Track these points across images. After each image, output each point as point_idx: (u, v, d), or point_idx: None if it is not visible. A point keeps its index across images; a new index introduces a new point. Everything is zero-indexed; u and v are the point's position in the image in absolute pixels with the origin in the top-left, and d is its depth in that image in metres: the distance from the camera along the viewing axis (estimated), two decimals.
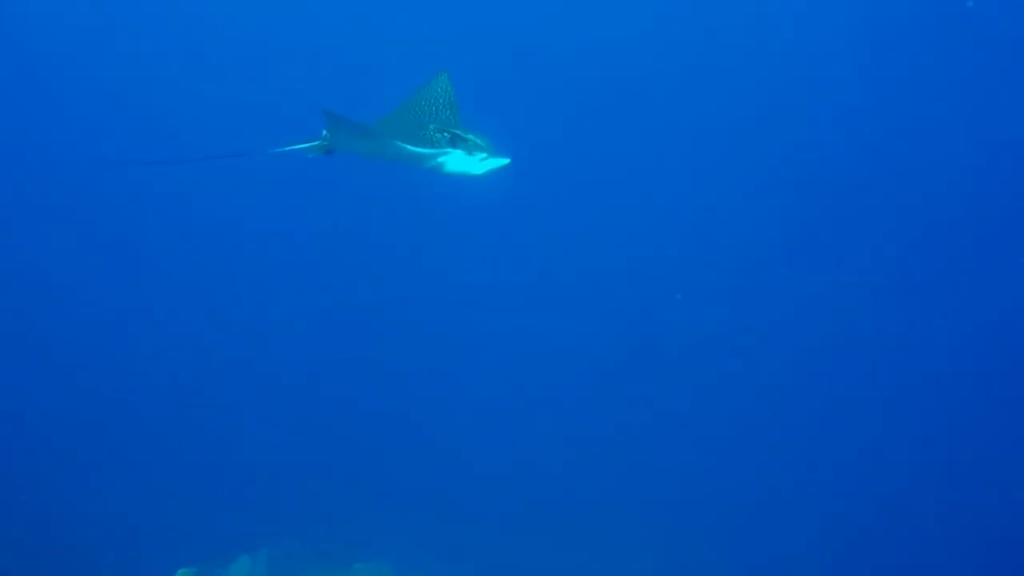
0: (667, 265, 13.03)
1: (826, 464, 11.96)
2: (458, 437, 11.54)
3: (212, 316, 12.56)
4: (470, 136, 5.42)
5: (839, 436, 12.29)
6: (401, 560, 9.92)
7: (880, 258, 13.54)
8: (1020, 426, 12.21)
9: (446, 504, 10.80)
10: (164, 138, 12.79)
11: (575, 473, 11.51)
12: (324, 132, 5.69)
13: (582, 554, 10.48)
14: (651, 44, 13.88)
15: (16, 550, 9.47)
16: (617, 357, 12.61)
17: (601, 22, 14.08)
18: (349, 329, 12.69)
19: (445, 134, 5.46)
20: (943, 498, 11.57)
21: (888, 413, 12.58)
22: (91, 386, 11.73)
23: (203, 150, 7.17)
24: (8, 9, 14.17)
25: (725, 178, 13.49)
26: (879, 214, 13.60)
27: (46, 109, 13.49)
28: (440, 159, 5.43)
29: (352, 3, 14.31)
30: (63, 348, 12.25)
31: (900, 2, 14.00)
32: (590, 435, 11.90)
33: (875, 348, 12.94)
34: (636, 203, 13.44)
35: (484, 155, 5.37)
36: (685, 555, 10.29)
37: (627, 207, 13.44)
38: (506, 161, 5.38)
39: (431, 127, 5.57)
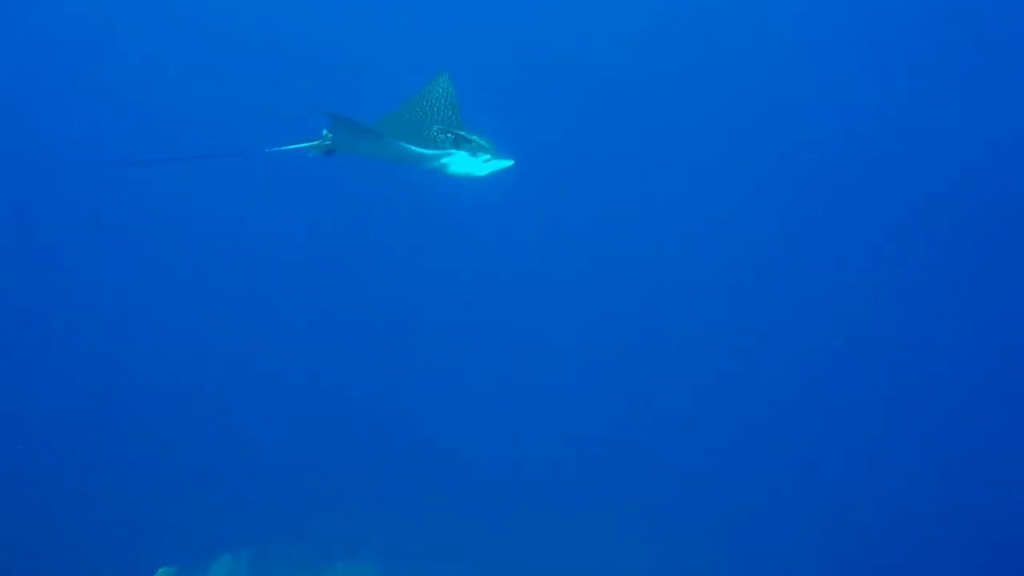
0: (668, 265, 13.02)
1: (826, 464, 11.96)
2: (452, 436, 11.52)
3: (208, 316, 12.52)
4: (474, 137, 5.41)
5: (839, 436, 12.29)
6: (385, 560, 9.89)
7: (880, 258, 13.54)
8: (1020, 426, 12.21)
9: (435, 504, 10.80)
10: (164, 138, 12.75)
11: (573, 473, 11.50)
12: (324, 131, 5.68)
13: (581, 554, 10.47)
14: (652, 44, 13.87)
15: None
16: (617, 357, 12.60)
17: (601, 22, 14.07)
18: (347, 329, 12.66)
19: (449, 135, 5.45)
20: (943, 498, 11.57)
21: (888, 413, 12.58)
22: (84, 385, 11.70)
23: (203, 150, 7.14)
24: (7, 8, 14.13)
25: (727, 178, 13.49)
26: (880, 214, 13.60)
27: (47, 109, 13.45)
28: (443, 160, 5.42)
29: (350, 3, 14.29)
30: (58, 347, 12.22)
31: (900, 2, 14.01)
32: (589, 435, 11.89)
33: (875, 348, 12.94)
34: (637, 203, 13.42)
35: (488, 156, 5.37)
36: (685, 555, 10.29)
37: (628, 207, 13.42)
38: (510, 162, 5.37)
39: (435, 128, 5.55)
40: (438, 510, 10.68)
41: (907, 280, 13.33)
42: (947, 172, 13.49)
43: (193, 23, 14.00)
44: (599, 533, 10.60)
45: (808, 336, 12.96)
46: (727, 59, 13.92)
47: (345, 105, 5.32)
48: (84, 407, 11.51)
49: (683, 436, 11.92)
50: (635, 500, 11.13)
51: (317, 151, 5.73)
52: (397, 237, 12.95)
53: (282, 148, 5.74)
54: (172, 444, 11.19)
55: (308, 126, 5.83)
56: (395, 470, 11.21)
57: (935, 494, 11.61)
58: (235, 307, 12.60)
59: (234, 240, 13.00)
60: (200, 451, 11.10)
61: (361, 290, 12.87)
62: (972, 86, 13.74)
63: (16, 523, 9.96)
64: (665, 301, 13.02)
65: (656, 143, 13.58)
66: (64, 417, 11.36)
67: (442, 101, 5.97)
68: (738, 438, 12.06)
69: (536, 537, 10.53)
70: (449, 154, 5.39)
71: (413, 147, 5.34)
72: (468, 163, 5.39)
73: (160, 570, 9.21)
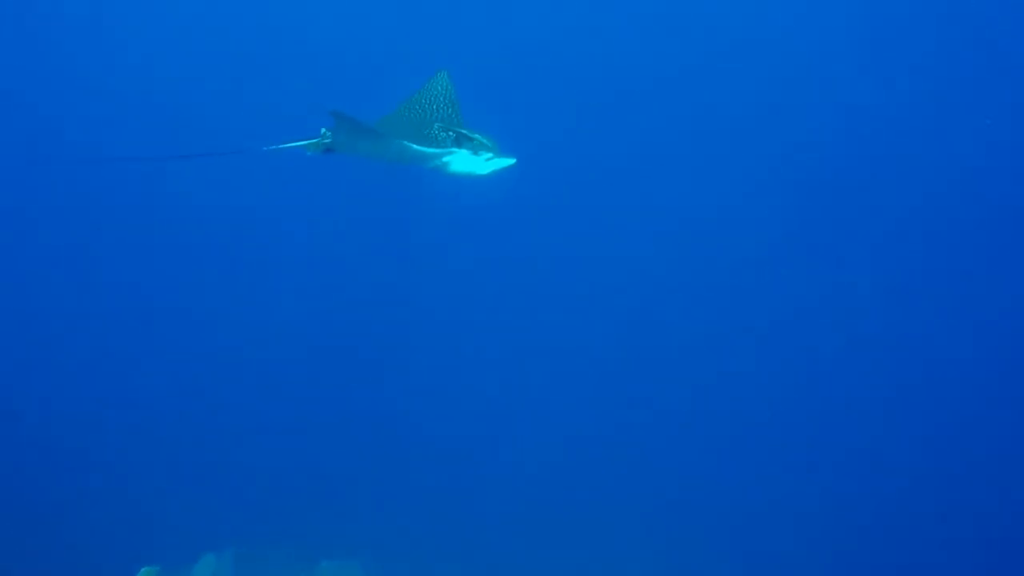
0: (668, 264, 12.99)
1: (826, 464, 11.95)
2: (442, 435, 11.47)
3: (199, 312, 12.48)
4: (476, 135, 5.37)
5: (839, 436, 12.28)
6: (371, 559, 9.85)
7: (880, 258, 13.53)
8: (1020, 426, 12.21)
9: (423, 502, 10.75)
10: (162, 136, 12.70)
11: (572, 473, 11.47)
12: (323, 130, 5.64)
13: (580, 554, 10.44)
14: (652, 43, 13.85)
15: None
16: (617, 356, 12.58)
17: (601, 21, 14.05)
18: (342, 330, 12.62)
19: (450, 133, 5.41)
20: (943, 498, 11.56)
21: (888, 413, 12.57)
22: (78, 384, 11.65)
23: (201, 148, 7.10)
24: (7, 7, 14.07)
25: (729, 177, 13.47)
26: (880, 214, 13.59)
27: (46, 108, 13.39)
28: (445, 159, 5.38)
29: (348, 2, 14.25)
30: (57, 347, 12.18)
31: (900, 2, 14.00)
32: (588, 435, 11.87)
33: (875, 348, 12.93)
34: (637, 203, 13.40)
35: (490, 155, 5.33)
36: (685, 555, 10.26)
37: (628, 207, 13.40)
38: (512, 161, 5.34)
39: (436, 126, 5.51)
40: (425, 509, 10.63)
41: (907, 280, 13.32)
42: (947, 172, 13.49)
43: (189, 20, 13.96)
44: (599, 533, 10.58)
45: (808, 336, 12.95)
46: (730, 57, 13.89)
47: (342, 104, 5.28)
48: (76, 405, 11.45)
49: (683, 436, 11.90)
50: (634, 500, 11.11)
51: (316, 149, 5.69)
52: (396, 236, 12.92)
53: (280, 146, 5.71)
54: (156, 442, 11.13)
55: (306, 125, 5.79)
56: (382, 469, 11.14)
57: (935, 494, 11.60)
58: (232, 306, 12.55)
59: (232, 238, 12.96)
60: (184, 450, 11.04)
61: (358, 288, 12.82)
62: (972, 86, 13.74)
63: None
64: (665, 300, 13.00)
65: (656, 143, 13.55)
66: (51, 415, 11.30)
67: (441, 99, 5.93)
68: (738, 438, 12.04)
69: (528, 537, 10.51)
70: (451, 152, 5.36)
71: (415, 146, 5.30)
72: (470, 162, 5.35)
73: (143, 570, 9.10)
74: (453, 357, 12.31)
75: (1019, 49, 13.73)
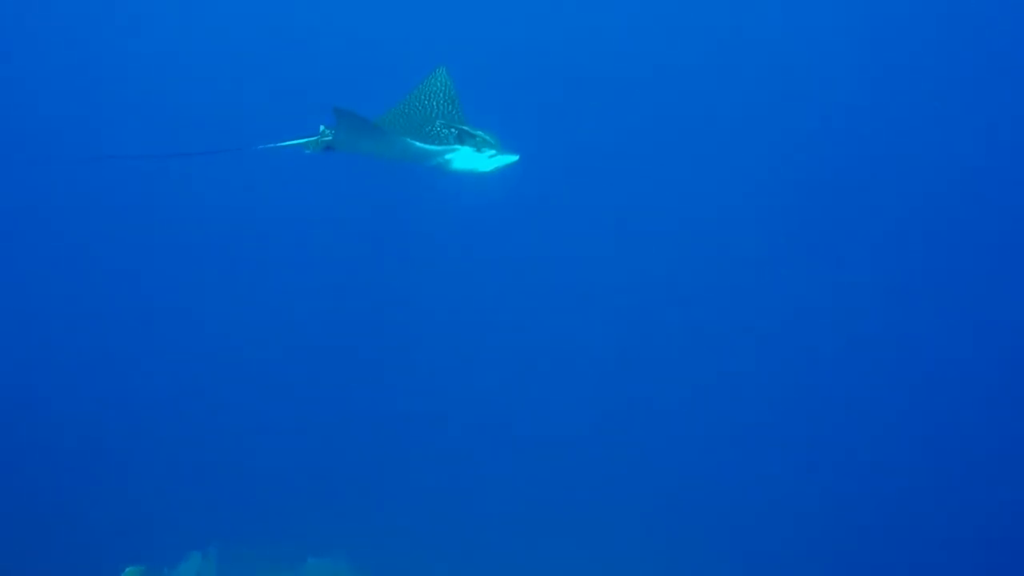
0: (668, 264, 12.98)
1: (826, 464, 11.93)
2: (433, 433, 11.45)
3: (196, 312, 12.44)
4: (478, 132, 5.33)
5: (839, 436, 12.27)
6: (357, 557, 9.81)
7: (880, 258, 13.53)
8: (1020, 426, 12.21)
9: (412, 500, 10.69)
10: (162, 134, 12.66)
11: (571, 472, 11.45)
12: (322, 127, 5.58)
13: (578, 554, 10.41)
14: (653, 43, 13.84)
15: None
16: (617, 356, 12.56)
17: (601, 20, 14.03)
18: (339, 330, 12.59)
19: (452, 130, 5.37)
20: (943, 498, 11.56)
21: (889, 413, 12.57)
22: (74, 382, 11.61)
23: (200, 147, 7.07)
24: (7, 7, 14.03)
25: (731, 175, 13.47)
26: (880, 214, 13.60)
27: (46, 107, 13.37)
28: (447, 156, 5.34)
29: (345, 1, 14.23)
30: (58, 346, 12.14)
31: (900, 2, 14.01)
32: (588, 435, 11.85)
33: (875, 348, 12.93)
34: (639, 201, 13.39)
35: (493, 152, 5.29)
36: (685, 555, 10.24)
37: (630, 205, 13.39)
38: (515, 158, 5.29)
39: (438, 123, 5.47)
40: (414, 505, 10.58)
41: (907, 280, 13.32)
42: (947, 172, 13.49)
43: (186, 19, 13.94)
44: (599, 533, 10.55)
45: (808, 336, 12.94)
46: (730, 56, 13.90)
47: (339, 101, 5.23)
48: (72, 405, 11.40)
49: (682, 436, 11.88)
50: (634, 500, 11.08)
51: (315, 148, 5.63)
52: (396, 234, 12.89)
53: (279, 145, 5.66)
54: (142, 441, 11.07)
55: (304, 122, 5.75)
56: (370, 465, 11.09)
57: (935, 494, 11.60)
58: (232, 305, 12.51)
59: (231, 237, 12.93)
60: (170, 448, 10.98)
61: (357, 285, 12.79)
62: (972, 86, 13.75)
63: None
64: (667, 299, 12.99)
65: (658, 141, 13.54)
66: (51, 414, 11.26)
67: (441, 96, 5.89)
68: (738, 438, 12.02)
69: (528, 537, 10.48)
70: (453, 150, 5.31)
71: (417, 143, 5.26)
72: (473, 159, 5.30)
73: (128, 569, 9.05)
74: (452, 356, 12.28)
75: (1019, 49, 13.73)
